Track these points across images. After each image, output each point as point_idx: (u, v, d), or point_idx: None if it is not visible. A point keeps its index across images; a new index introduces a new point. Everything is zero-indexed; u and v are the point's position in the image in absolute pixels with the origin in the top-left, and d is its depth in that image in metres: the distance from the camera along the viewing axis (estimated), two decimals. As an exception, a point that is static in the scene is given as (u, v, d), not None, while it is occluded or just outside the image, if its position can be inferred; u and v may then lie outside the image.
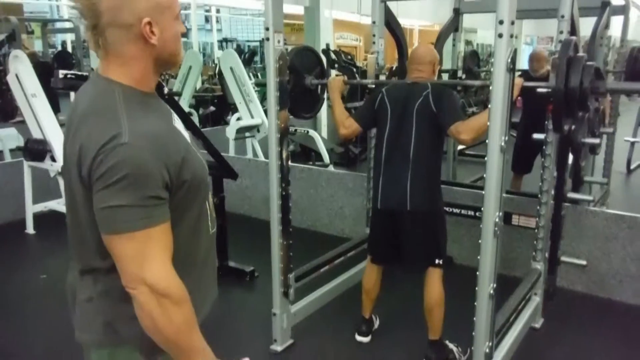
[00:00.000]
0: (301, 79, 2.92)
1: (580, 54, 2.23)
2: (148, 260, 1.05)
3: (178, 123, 1.21)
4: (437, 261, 2.57)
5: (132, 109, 1.08)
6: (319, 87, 3.10)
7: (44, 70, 5.14)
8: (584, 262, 3.06)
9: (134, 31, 1.08)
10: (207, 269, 1.31)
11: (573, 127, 2.54)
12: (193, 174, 1.15)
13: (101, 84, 1.13)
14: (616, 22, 4.32)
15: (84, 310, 1.19)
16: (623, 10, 4.23)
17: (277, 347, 2.76)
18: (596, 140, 2.81)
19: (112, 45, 1.10)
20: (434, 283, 2.58)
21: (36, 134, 4.17)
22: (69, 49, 10.17)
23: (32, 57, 7.08)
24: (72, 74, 3.72)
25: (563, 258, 3.01)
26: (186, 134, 1.21)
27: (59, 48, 11.63)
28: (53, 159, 4.11)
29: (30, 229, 4.43)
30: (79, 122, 1.09)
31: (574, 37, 2.28)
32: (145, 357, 1.18)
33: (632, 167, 6.67)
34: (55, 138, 4.11)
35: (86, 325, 1.19)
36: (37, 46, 9.50)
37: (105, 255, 1.09)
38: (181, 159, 1.11)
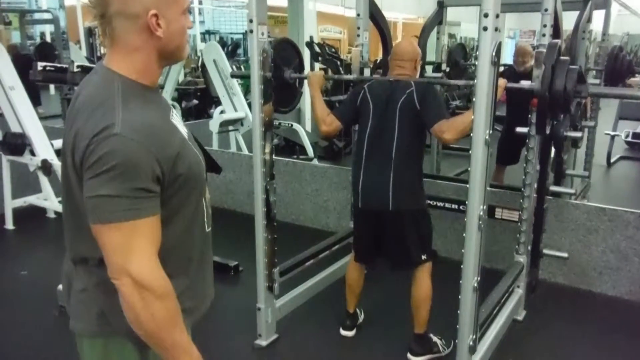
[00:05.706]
0: (280, 72, 2.81)
1: (564, 57, 2.23)
2: (133, 252, 1.04)
3: (176, 119, 1.21)
4: (422, 257, 2.57)
5: (130, 101, 1.08)
6: (298, 81, 3.00)
7: (24, 62, 5.03)
8: (565, 255, 3.09)
9: (140, 22, 1.09)
10: (203, 268, 1.30)
11: (555, 122, 2.55)
12: (188, 169, 1.14)
13: (103, 74, 1.13)
14: (598, 16, 4.36)
15: (78, 300, 1.20)
16: (605, 4, 4.27)
17: (262, 342, 2.76)
18: (578, 134, 2.83)
19: (119, 35, 1.11)
20: (423, 278, 2.58)
21: (15, 128, 4.08)
22: (48, 41, 9.97)
23: (12, 49, 6.92)
24: (51, 66, 3.64)
25: (545, 251, 3.03)
26: (184, 130, 1.21)
27: (38, 40, 11.41)
28: (32, 153, 4.03)
29: (9, 225, 4.36)
30: (77, 110, 1.10)
31: (558, 40, 2.29)
32: (137, 349, 1.18)
33: (612, 160, 6.76)
34: (35, 131, 4.03)
35: (80, 315, 1.20)
36: (15, 38, 9.30)
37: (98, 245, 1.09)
38: (176, 154, 1.11)
